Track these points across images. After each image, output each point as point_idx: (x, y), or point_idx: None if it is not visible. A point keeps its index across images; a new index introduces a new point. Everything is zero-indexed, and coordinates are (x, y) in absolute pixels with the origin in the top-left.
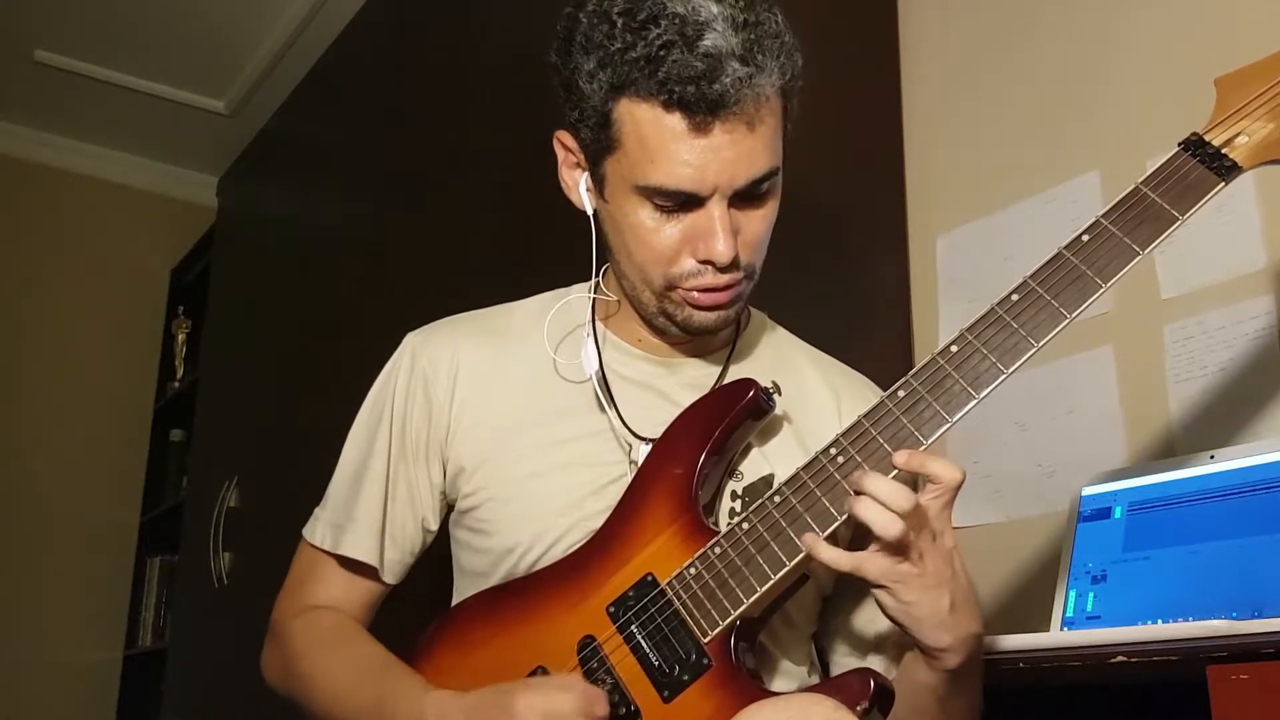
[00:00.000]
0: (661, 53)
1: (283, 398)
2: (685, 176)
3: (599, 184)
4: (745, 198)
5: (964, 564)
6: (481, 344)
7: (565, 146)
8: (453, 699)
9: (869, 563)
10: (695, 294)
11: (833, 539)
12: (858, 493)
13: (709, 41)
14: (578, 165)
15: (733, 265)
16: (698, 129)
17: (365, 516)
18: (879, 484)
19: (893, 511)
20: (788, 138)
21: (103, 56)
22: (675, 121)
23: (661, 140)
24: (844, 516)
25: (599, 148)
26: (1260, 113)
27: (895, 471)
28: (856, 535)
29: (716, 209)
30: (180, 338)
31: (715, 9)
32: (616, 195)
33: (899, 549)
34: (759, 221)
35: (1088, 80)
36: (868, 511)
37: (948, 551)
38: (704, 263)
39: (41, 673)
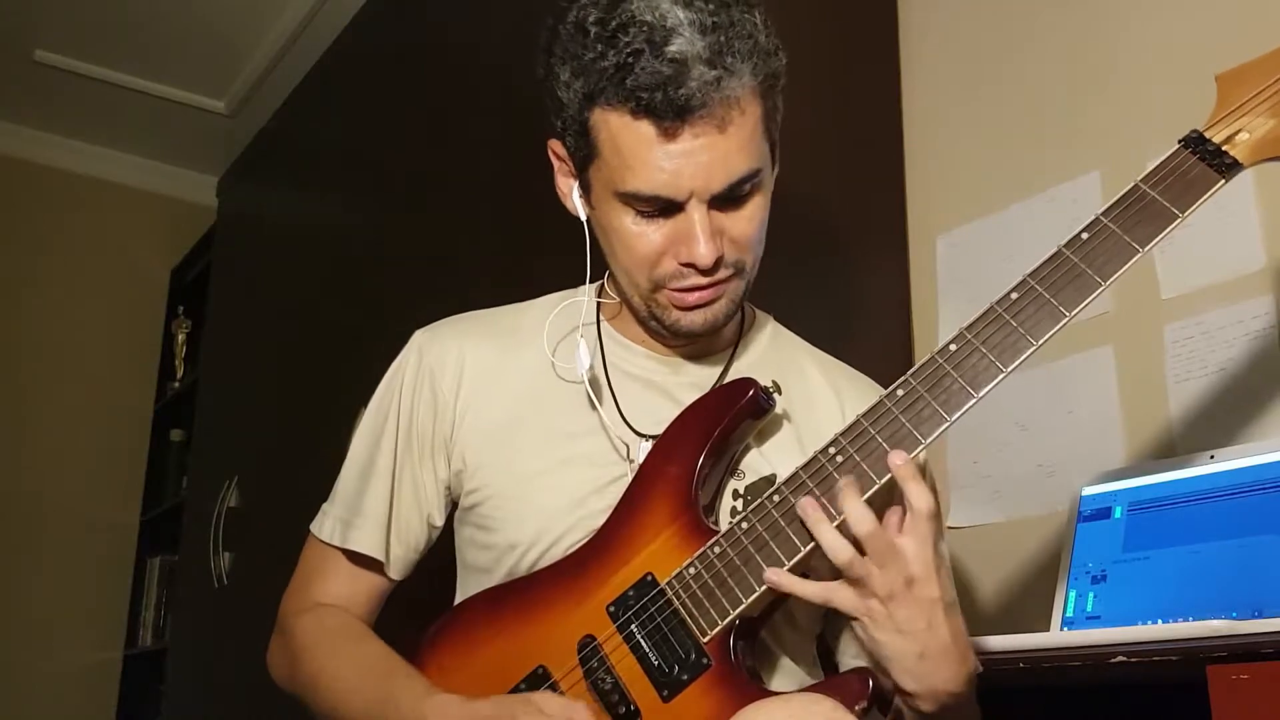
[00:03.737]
0: (630, 60)
1: (283, 398)
2: (661, 182)
3: (586, 191)
4: (727, 200)
5: (956, 621)
6: (487, 343)
7: (557, 155)
8: (455, 704)
9: (836, 594)
10: (679, 295)
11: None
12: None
13: (675, 47)
14: (569, 173)
15: (716, 267)
16: (667, 134)
17: (373, 512)
18: (849, 503)
19: (850, 534)
20: (774, 137)
21: (103, 56)
22: (645, 128)
23: (634, 147)
24: (841, 516)
25: (582, 156)
26: (1261, 109)
27: (887, 476)
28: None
29: (696, 213)
30: (180, 338)
31: (683, 15)
32: (601, 202)
33: (863, 583)
34: (744, 222)
35: (1088, 80)
36: (820, 530)
37: (926, 601)
38: (686, 265)
39: (41, 673)
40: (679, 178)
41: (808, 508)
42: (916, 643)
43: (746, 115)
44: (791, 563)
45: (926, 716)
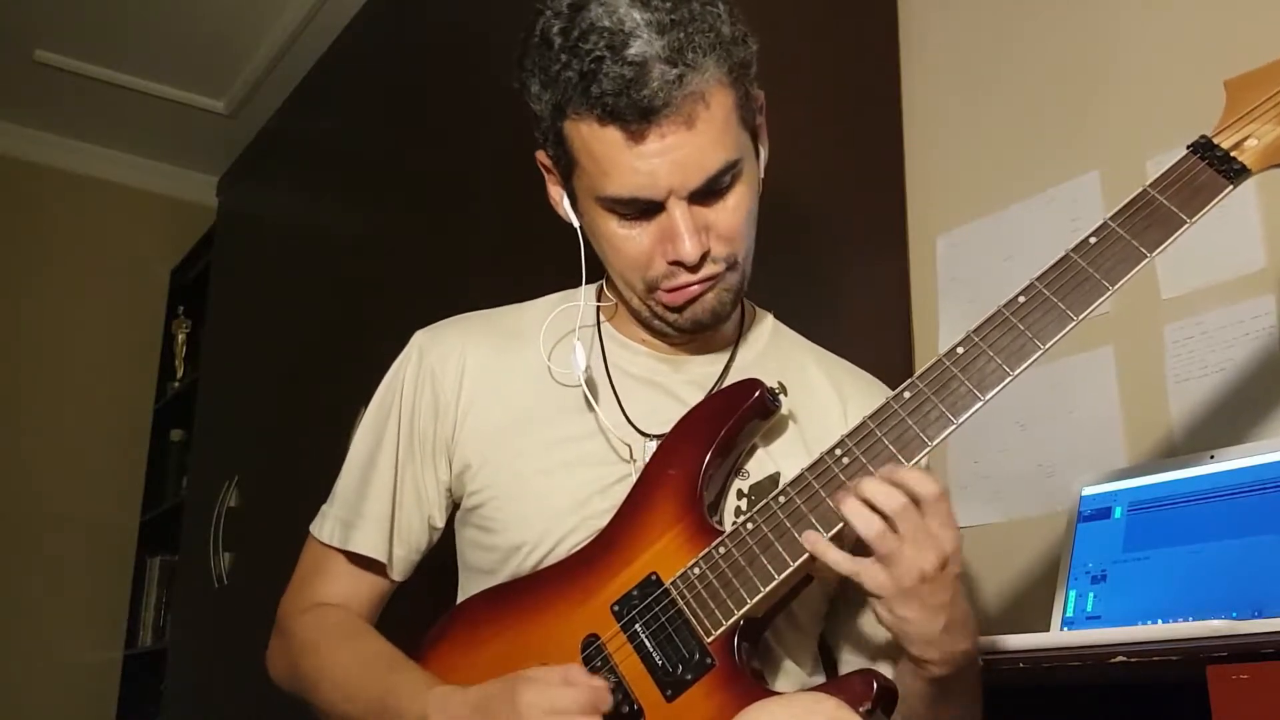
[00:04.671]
0: (592, 68)
1: (283, 398)
2: (637, 185)
3: (573, 199)
4: (708, 194)
5: (964, 586)
6: (489, 343)
7: (544, 165)
8: (456, 694)
9: (868, 572)
10: (671, 294)
11: (837, 540)
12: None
13: (634, 50)
14: (558, 182)
15: (704, 262)
16: (634, 137)
17: (374, 513)
18: (869, 483)
19: (878, 511)
20: (754, 124)
21: (103, 56)
22: (612, 134)
23: (606, 153)
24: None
25: (564, 166)
26: (1269, 116)
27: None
28: (859, 544)
29: (677, 210)
30: (180, 338)
31: (640, 16)
32: (586, 209)
33: (893, 560)
34: (729, 213)
35: (1088, 80)
36: (849, 506)
37: (953, 578)
38: (674, 264)
39: (41, 673)
40: (654, 178)
41: (839, 494)
42: (942, 617)
43: (715, 108)
44: (795, 564)
45: (939, 683)
